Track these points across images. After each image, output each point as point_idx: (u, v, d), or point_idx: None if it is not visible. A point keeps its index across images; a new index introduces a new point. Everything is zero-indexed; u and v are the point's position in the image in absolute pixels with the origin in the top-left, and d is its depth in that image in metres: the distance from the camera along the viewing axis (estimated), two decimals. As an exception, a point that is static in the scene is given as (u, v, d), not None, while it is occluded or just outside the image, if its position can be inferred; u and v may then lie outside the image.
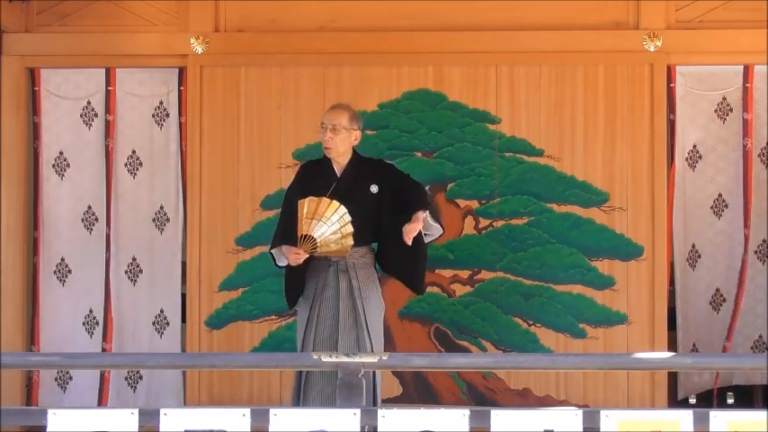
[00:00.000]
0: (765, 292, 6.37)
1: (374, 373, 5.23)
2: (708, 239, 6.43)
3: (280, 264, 5.43)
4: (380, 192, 5.40)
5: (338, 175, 5.44)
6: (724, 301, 6.41)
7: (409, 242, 5.21)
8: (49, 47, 6.50)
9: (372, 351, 5.19)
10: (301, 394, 5.33)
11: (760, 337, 6.35)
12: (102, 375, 6.41)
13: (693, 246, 6.44)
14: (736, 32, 6.28)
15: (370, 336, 5.28)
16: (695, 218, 6.44)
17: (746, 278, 6.30)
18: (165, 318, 6.50)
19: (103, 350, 6.37)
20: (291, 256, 5.26)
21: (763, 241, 6.41)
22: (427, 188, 5.52)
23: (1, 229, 6.44)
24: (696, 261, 6.43)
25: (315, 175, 5.45)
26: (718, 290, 6.43)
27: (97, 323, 6.49)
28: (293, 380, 5.43)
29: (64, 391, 6.53)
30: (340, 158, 5.45)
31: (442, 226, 5.52)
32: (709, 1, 6.34)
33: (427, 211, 5.33)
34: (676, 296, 6.43)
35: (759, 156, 6.40)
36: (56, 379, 6.53)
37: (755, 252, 6.40)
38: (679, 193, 6.40)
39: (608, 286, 6.32)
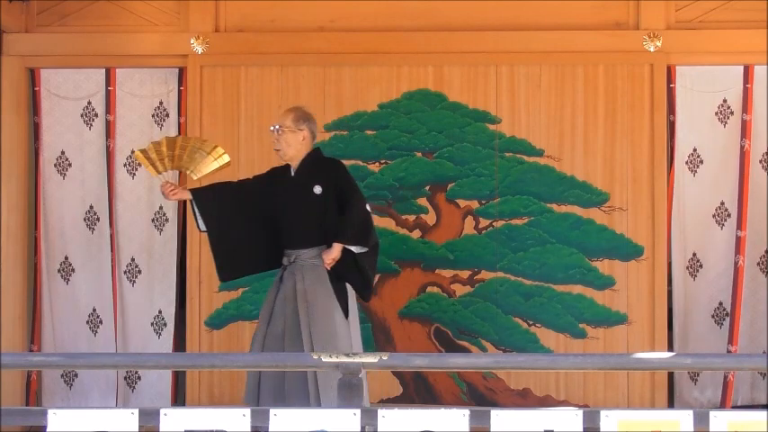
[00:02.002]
0: (766, 306, 6.27)
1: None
2: (710, 249, 6.35)
3: (200, 227, 5.57)
4: (324, 193, 5.43)
5: (293, 176, 5.52)
6: (727, 315, 6.32)
7: (328, 268, 5.34)
8: (49, 47, 6.50)
9: None
10: (251, 390, 5.41)
11: (763, 353, 6.26)
12: (115, 376, 6.45)
13: (694, 254, 6.37)
14: (736, 32, 6.28)
15: (312, 339, 5.30)
16: (696, 224, 6.36)
17: (743, 287, 6.23)
18: (163, 318, 6.51)
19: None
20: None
21: (767, 252, 6.35)
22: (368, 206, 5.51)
23: (1, 228, 6.44)
24: (697, 271, 6.37)
25: (278, 179, 5.55)
26: (721, 303, 6.35)
27: (101, 322, 6.50)
28: (246, 377, 5.52)
29: (70, 387, 6.54)
30: (294, 161, 5.51)
31: (368, 243, 5.41)
32: (710, 1, 6.34)
33: (349, 242, 5.35)
34: (674, 307, 6.36)
35: (760, 161, 6.36)
36: (62, 376, 6.55)
37: (758, 264, 6.34)
38: (679, 197, 6.35)
39: (608, 286, 6.32)
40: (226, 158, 5.66)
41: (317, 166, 5.50)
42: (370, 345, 6.30)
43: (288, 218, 5.45)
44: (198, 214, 5.53)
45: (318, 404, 5.17)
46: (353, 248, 5.36)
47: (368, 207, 5.47)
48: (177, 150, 5.51)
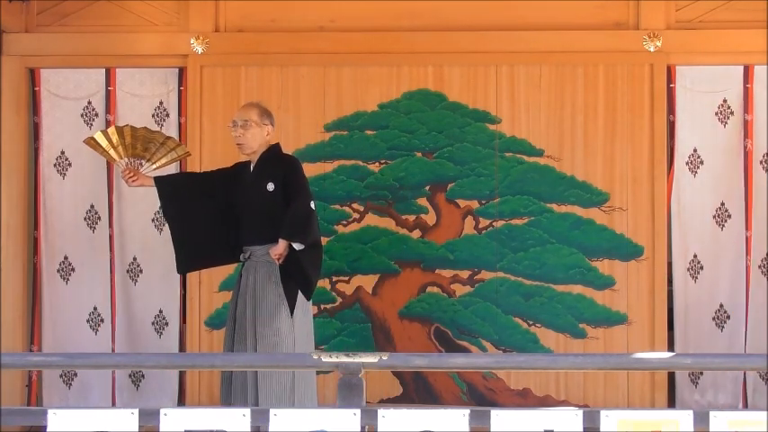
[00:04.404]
0: (766, 310, 6.25)
1: (294, 374, 5.31)
2: (711, 250, 6.32)
3: (166, 213, 5.66)
4: (276, 189, 5.44)
5: (251, 171, 5.55)
6: (728, 318, 6.31)
7: (277, 263, 5.36)
8: (49, 47, 6.50)
9: (255, 351, 5.31)
10: (224, 390, 5.45)
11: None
12: (112, 375, 6.45)
13: (695, 256, 6.35)
14: (736, 32, 6.28)
15: (255, 335, 5.34)
16: (696, 225, 6.34)
17: (750, 291, 6.21)
18: (164, 318, 6.51)
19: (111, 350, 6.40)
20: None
21: None
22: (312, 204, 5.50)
23: (1, 228, 6.44)
24: (698, 272, 6.35)
25: (240, 174, 5.56)
26: (721, 305, 6.33)
27: (102, 321, 6.50)
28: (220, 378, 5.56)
29: (69, 387, 6.54)
30: (254, 156, 5.54)
31: (305, 240, 5.38)
32: (710, 1, 6.33)
33: (286, 237, 5.34)
34: (675, 309, 6.34)
35: (761, 162, 6.36)
36: (61, 376, 6.55)
37: (759, 267, 6.31)
38: (679, 198, 6.33)
39: (608, 286, 6.32)
40: (183, 149, 5.75)
41: (273, 162, 5.53)
42: (370, 345, 6.30)
43: (244, 214, 5.49)
44: (161, 203, 5.61)
45: (256, 404, 5.23)
46: (293, 244, 5.37)
47: (312, 205, 5.46)
48: (129, 139, 5.57)
